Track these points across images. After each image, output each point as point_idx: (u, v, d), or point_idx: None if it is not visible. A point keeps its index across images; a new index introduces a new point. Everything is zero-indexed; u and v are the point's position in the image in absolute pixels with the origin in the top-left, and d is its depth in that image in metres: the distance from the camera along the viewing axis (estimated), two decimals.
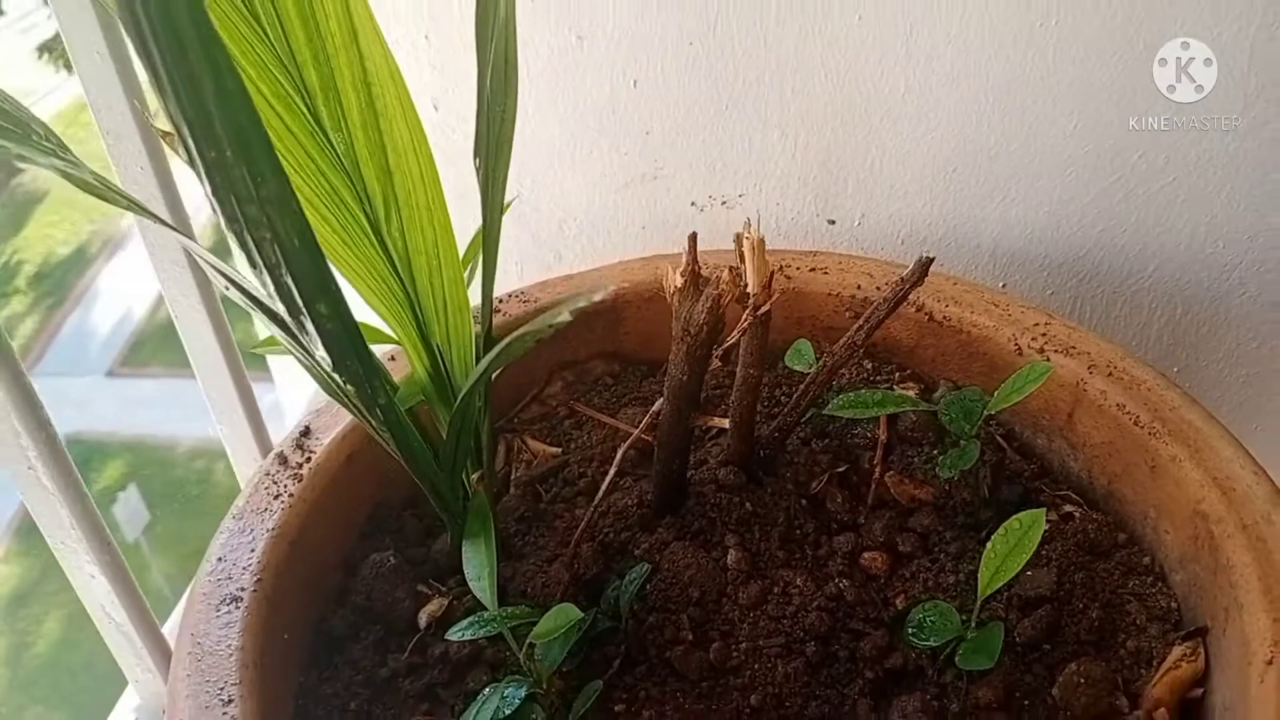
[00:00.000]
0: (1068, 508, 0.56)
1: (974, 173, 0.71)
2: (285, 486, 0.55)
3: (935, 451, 0.58)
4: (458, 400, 0.48)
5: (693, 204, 0.76)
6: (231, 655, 0.47)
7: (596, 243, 0.78)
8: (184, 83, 0.27)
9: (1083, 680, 0.47)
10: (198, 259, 0.47)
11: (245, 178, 0.30)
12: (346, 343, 0.38)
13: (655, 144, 0.73)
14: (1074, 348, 0.58)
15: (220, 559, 0.52)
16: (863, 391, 0.56)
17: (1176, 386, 0.55)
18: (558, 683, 0.48)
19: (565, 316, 0.36)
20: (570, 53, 0.70)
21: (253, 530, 0.53)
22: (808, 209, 0.75)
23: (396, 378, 0.55)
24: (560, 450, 0.62)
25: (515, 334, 0.41)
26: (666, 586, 0.51)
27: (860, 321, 0.53)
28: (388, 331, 0.51)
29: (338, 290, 0.36)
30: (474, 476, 0.56)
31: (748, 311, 0.49)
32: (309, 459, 0.57)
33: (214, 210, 0.32)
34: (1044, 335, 0.59)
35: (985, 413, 0.53)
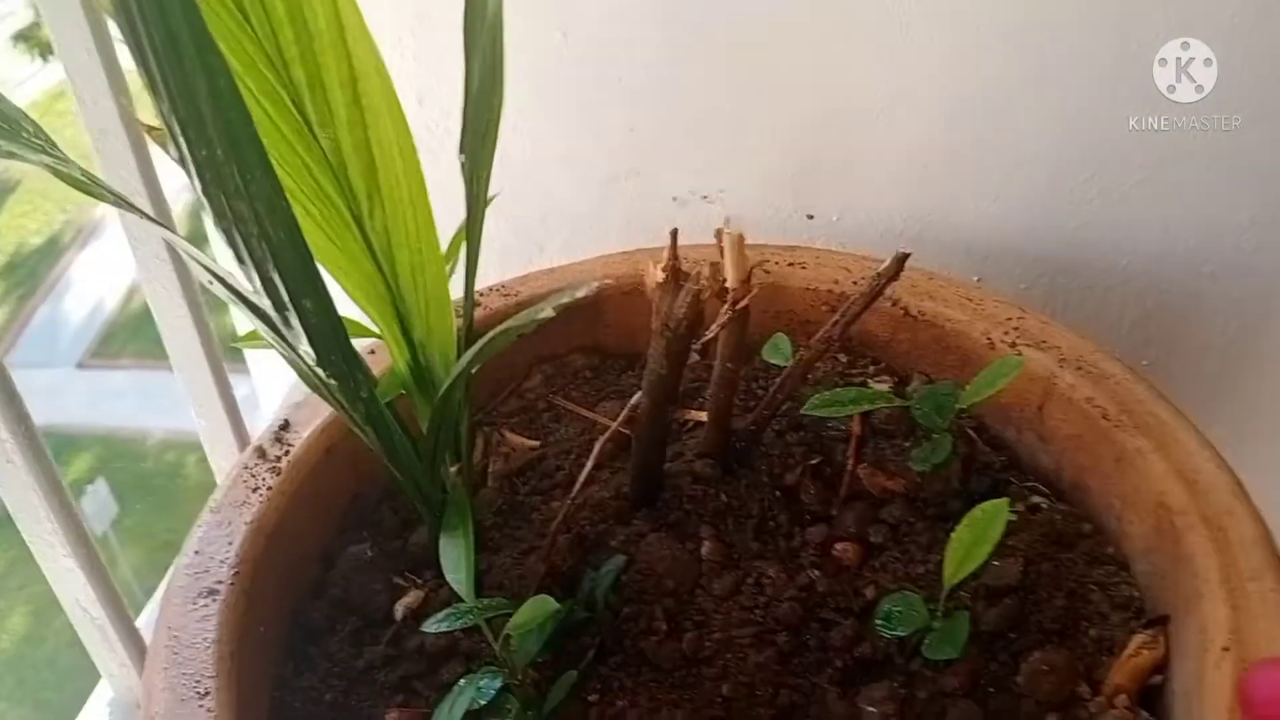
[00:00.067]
0: (1035, 499, 0.57)
1: (950, 170, 0.72)
2: (264, 479, 0.56)
3: (908, 444, 0.59)
4: (438, 394, 0.49)
5: (674, 199, 0.77)
6: (209, 648, 0.48)
7: (578, 237, 0.79)
8: (177, 83, 0.27)
9: (1046, 668, 0.48)
10: (182, 254, 0.47)
11: (235, 175, 0.30)
12: (331, 338, 0.39)
13: (638, 140, 0.74)
14: (1045, 342, 0.59)
15: (198, 552, 0.52)
16: (838, 390, 0.56)
17: (1144, 380, 0.57)
18: (533, 674, 0.48)
19: (548, 312, 0.37)
20: (555, 49, 0.70)
21: (231, 523, 0.53)
22: (787, 205, 0.76)
23: (376, 371, 0.55)
24: (538, 443, 0.63)
25: (497, 329, 0.42)
26: (642, 578, 0.52)
27: (836, 316, 0.54)
28: (369, 325, 0.52)
29: (324, 286, 0.36)
30: (452, 469, 0.57)
31: (727, 306, 0.50)
32: (287, 452, 0.57)
33: (203, 207, 0.33)
34: (1016, 330, 0.61)
35: (957, 407, 0.54)
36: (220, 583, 0.50)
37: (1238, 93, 0.63)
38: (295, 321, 0.38)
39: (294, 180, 0.44)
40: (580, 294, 0.38)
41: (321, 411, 0.58)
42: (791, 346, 0.61)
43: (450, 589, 0.49)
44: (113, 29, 0.55)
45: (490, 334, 0.42)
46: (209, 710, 0.44)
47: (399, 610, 0.54)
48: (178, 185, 0.63)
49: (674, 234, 0.49)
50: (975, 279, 0.76)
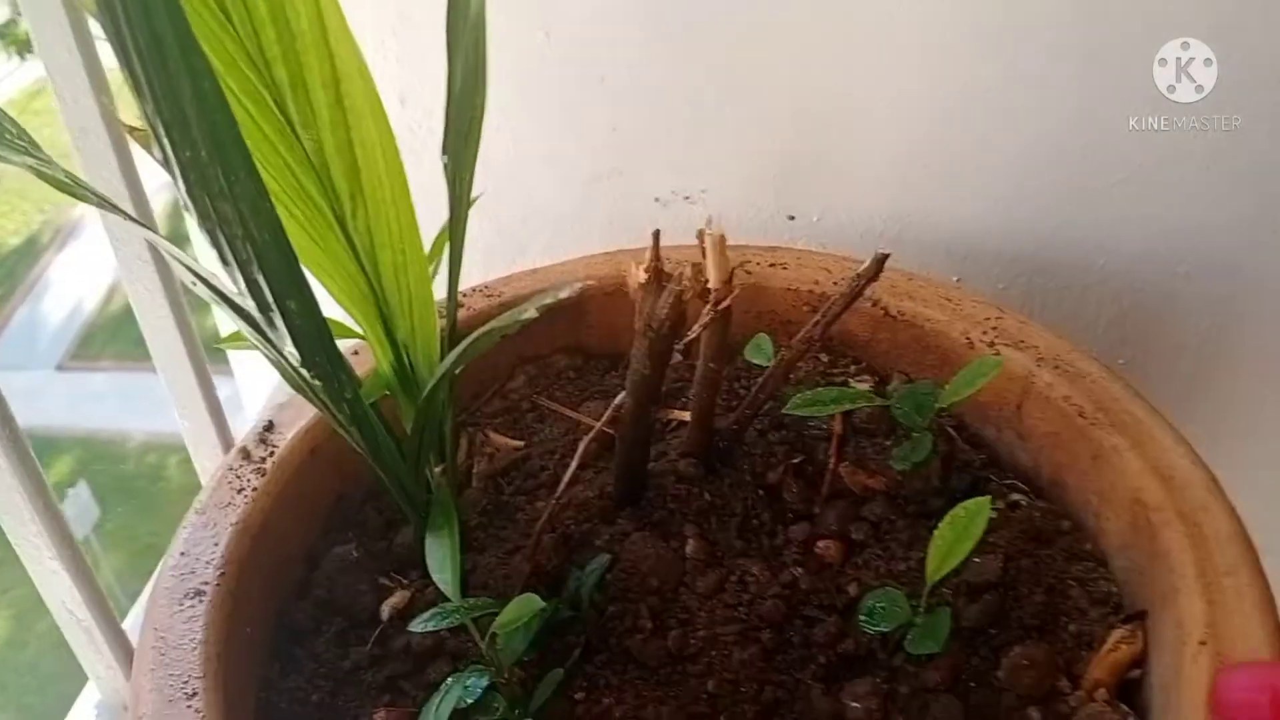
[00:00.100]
0: (1015, 496, 0.58)
1: (931, 171, 0.73)
2: (248, 480, 0.56)
3: (889, 442, 0.60)
4: (422, 394, 0.49)
5: (657, 199, 0.77)
6: (195, 649, 0.48)
7: (561, 237, 0.79)
8: (162, 85, 0.28)
9: (1026, 662, 0.49)
10: (165, 255, 0.47)
11: (219, 178, 0.30)
12: (315, 339, 0.39)
13: (621, 140, 0.74)
14: (1023, 341, 0.60)
15: (183, 553, 0.52)
16: (819, 389, 0.57)
17: (1120, 379, 0.57)
18: (519, 672, 0.49)
19: (531, 313, 0.37)
20: (537, 49, 0.71)
21: (216, 524, 0.53)
22: (769, 205, 0.77)
23: (360, 372, 0.55)
24: (522, 443, 0.63)
25: (481, 330, 0.42)
26: (626, 576, 0.52)
27: (817, 316, 0.55)
28: (353, 326, 0.52)
29: (308, 287, 0.36)
30: (437, 470, 0.57)
31: (709, 306, 0.50)
32: (272, 453, 0.57)
33: (187, 208, 0.33)
34: (995, 329, 0.61)
35: (936, 406, 0.55)
36: (206, 584, 0.50)
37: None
38: (279, 323, 0.38)
39: (277, 181, 0.44)
40: (563, 295, 0.39)
41: (306, 412, 0.58)
42: (773, 346, 0.61)
43: (436, 589, 0.49)
44: (94, 27, 0.55)
45: (474, 335, 0.42)
46: (197, 711, 0.44)
47: (385, 610, 0.54)
48: (156, 184, 0.63)
49: (656, 235, 0.49)
50: (954, 279, 0.76)
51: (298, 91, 0.42)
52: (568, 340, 0.69)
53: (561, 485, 0.55)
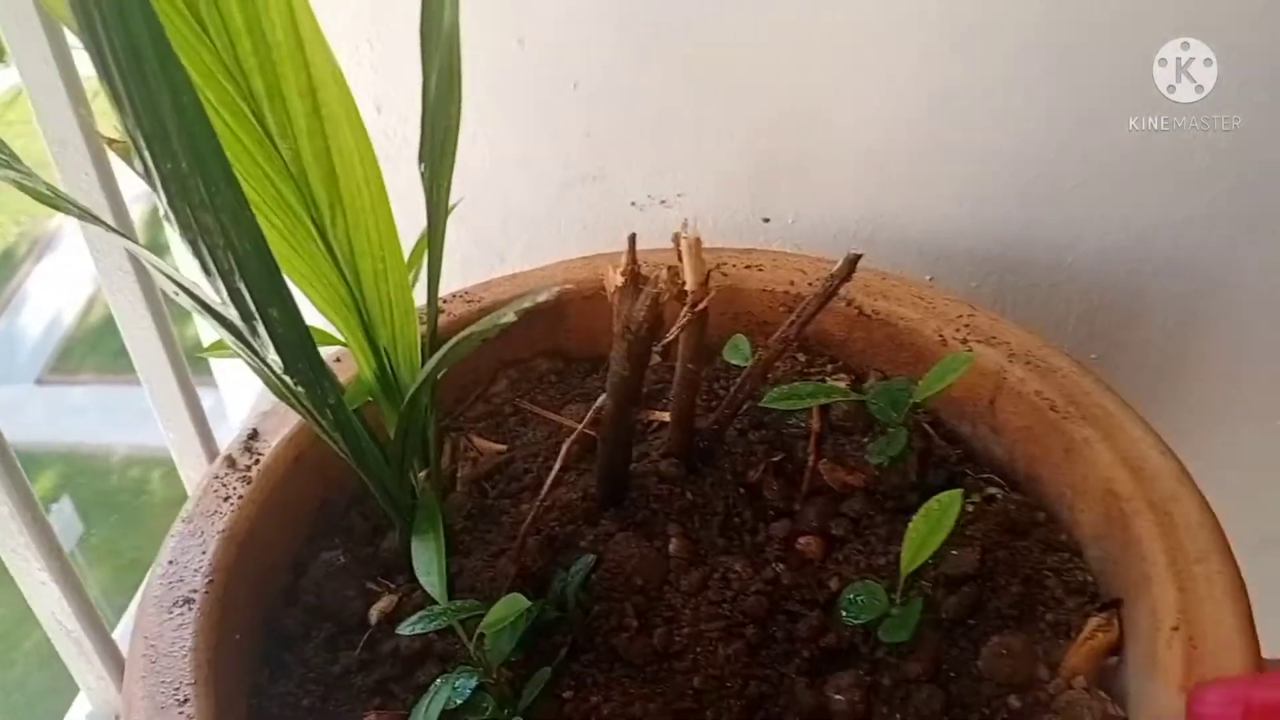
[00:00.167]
0: (990, 490, 0.59)
1: (903, 173, 0.74)
2: (234, 489, 0.56)
3: (866, 439, 0.60)
4: (405, 400, 0.50)
5: (633, 204, 0.78)
6: (186, 656, 0.48)
7: (539, 242, 0.80)
8: (141, 98, 0.28)
9: (1005, 652, 0.50)
10: (147, 265, 0.48)
11: (200, 188, 0.31)
12: (298, 346, 0.39)
13: (596, 145, 0.75)
14: (995, 338, 0.61)
15: (171, 562, 0.52)
16: (796, 384, 0.58)
17: (1091, 373, 0.59)
18: (507, 673, 0.49)
19: (510, 316, 0.38)
20: (511, 56, 0.71)
21: (203, 533, 0.54)
22: (744, 208, 0.78)
23: (342, 379, 0.56)
24: (506, 447, 0.64)
25: (461, 335, 0.42)
26: (611, 576, 0.53)
27: (792, 316, 0.55)
28: (335, 334, 0.52)
29: (289, 295, 0.37)
30: (421, 475, 0.57)
31: (686, 308, 0.51)
32: (257, 461, 0.57)
33: (168, 219, 0.33)
34: (967, 326, 0.62)
35: (911, 402, 0.56)
36: (195, 591, 0.50)
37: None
38: (262, 330, 0.39)
39: (257, 191, 0.45)
40: (541, 298, 0.39)
41: (289, 420, 0.59)
42: (751, 347, 0.62)
43: (423, 593, 0.50)
44: (70, 38, 0.55)
45: (454, 339, 0.43)
46: (189, 717, 0.45)
47: (373, 615, 0.54)
48: (133, 193, 0.63)
49: (632, 239, 0.50)
50: (928, 278, 0.77)
51: (275, 101, 0.42)
52: (548, 344, 0.70)
53: (545, 488, 0.55)
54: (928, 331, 0.63)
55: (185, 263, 0.40)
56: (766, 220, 0.77)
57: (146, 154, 0.31)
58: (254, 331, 0.39)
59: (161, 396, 0.68)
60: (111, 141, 0.52)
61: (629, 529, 0.55)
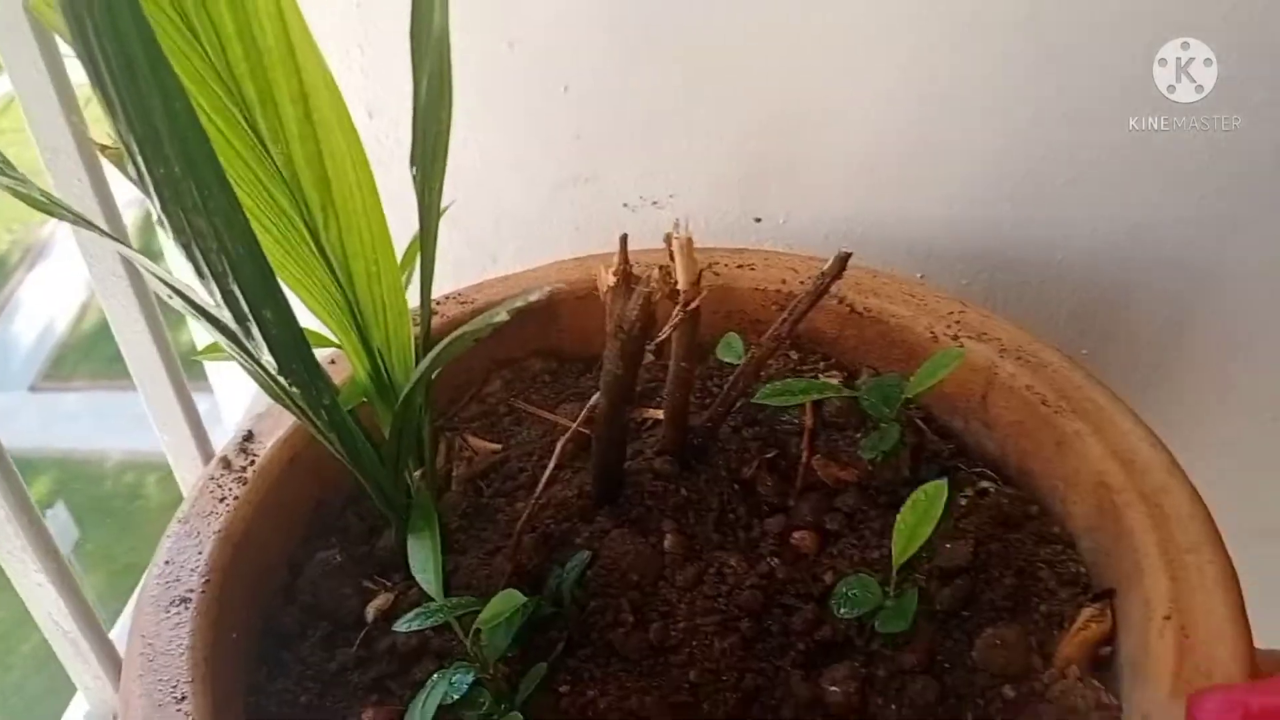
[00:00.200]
0: (983, 484, 0.59)
1: (893, 173, 0.74)
2: (230, 489, 0.56)
3: (859, 435, 0.61)
4: (399, 400, 0.50)
5: (625, 205, 0.78)
6: (183, 654, 0.48)
7: (531, 244, 0.80)
8: (134, 104, 0.28)
9: (999, 643, 0.50)
10: (141, 270, 0.48)
11: (193, 192, 0.31)
12: (292, 347, 0.40)
13: (587, 147, 0.75)
14: (986, 334, 0.62)
15: (168, 562, 0.53)
16: (789, 381, 0.58)
17: (1081, 367, 0.59)
18: (503, 668, 0.49)
19: (503, 316, 0.38)
20: (501, 59, 0.71)
21: (199, 533, 0.54)
22: (735, 209, 0.78)
23: (336, 380, 0.56)
24: (500, 446, 0.64)
25: (455, 334, 0.43)
26: (607, 572, 0.53)
27: (784, 314, 0.56)
28: (329, 336, 0.52)
29: (283, 296, 0.37)
30: (416, 474, 0.58)
31: (678, 307, 0.51)
32: (252, 462, 0.58)
33: (161, 223, 0.34)
34: (958, 323, 0.63)
35: (903, 397, 0.56)
36: (192, 591, 0.51)
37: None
38: (256, 332, 0.39)
39: (250, 196, 0.45)
40: (533, 298, 0.40)
41: (284, 422, 0.59)
42: (743, 345, 0.63)
43: (419, 591, 0.50)
44: (63, 46, 0.55)
45: (447, 339, 0.43)
46: (186, 714, 0.45)
47: (370, 613, 0.55)
48: (124, 199, 0.64)
49: (624, 238, 0.50)
50: (919, 276, 0.78)
51: (266, 106, 0.43)
52: (542, 344, 0.70)
53: (540, 486, 0.56)
54: (919, 328, 0.63)
55: (178, 267, 0.41)
56: (758, 220, 0.78)
57: (139, 159, 0.32)
58: (248, 333, 0.39)
59: (157, 400, 0.68)
60: (104, 148, 0.53)
61: (624, 525, 0.55)
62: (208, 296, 0.40)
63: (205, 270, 0.36)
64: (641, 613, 0.52)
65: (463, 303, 0.68)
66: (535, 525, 0.56)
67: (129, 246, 0.45)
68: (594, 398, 0.54)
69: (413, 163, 0.48)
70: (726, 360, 0.62)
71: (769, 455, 0.60)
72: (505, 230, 0.80)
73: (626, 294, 0.49)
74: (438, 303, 0.67)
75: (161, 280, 0.41)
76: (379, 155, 0.47)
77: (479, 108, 0.73)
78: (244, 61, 0.41)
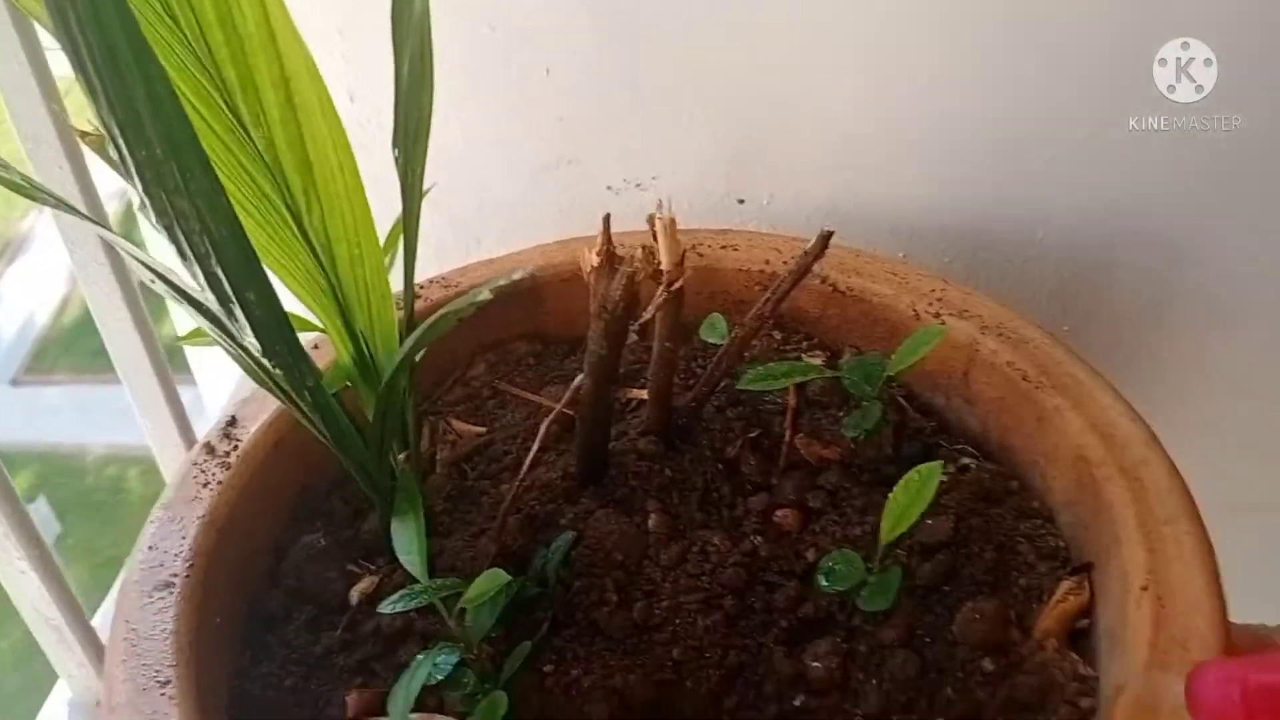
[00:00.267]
0: (965, 460, 0.60)
1: (876, 154, 0.74)
2: (213, 475, 0.56)
3: (842, 414, 0.61)
4: (383, 383, 0.50)
5: (608, 187, 0.78)
6: (167, 639, 0.49)
7: (515, 227, 0.80)
8: (116, 90, 0.28)
9: (979, 616, 0.51)
10: (123, 254, 0.48)
11: (175, 174, 0.31)
12: (275, 329, 0.40)
13: (570, 130, 0.75)
14: (967, 311, 0.62)
15: (151, 547, 0.53)
16: (771, 364, 0.59)
17: (1062, 343, 0.60)
18: (488, 648, 0.50)
19: (485, 295, 0.38)
20: (483, 42, 0.71)
21: (183, 518, 0.54)
22: (718, 190, 0.78)
23: (320, 365, 0.56)
24: (485, 429, 0.64)
25: (437, 314, 0.43)
26: (591, 552, 0.54)
27: (767, 294, 0.56)
28: (313, 320, 0.53)
29: (266, 277, 0.37)
30: (400, 457, 0.58)
31: (662, 288, 0.51)
32: (236, 447, 0.58)
33: (143, 206, 0.34)
34: (940, 300, 0.63)
35: (885, 375, 0.57)
36: (175, 576, 0.51)
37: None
38: (239, 314, 0.39)
39: (231, 180, 0.45)
40: (516, 277, 0.40)
41: (268, 406, 0.59)
42: (727, 325, 0.63)
43: (404, 574, 0.50)
44: (43, 35, 0.55)
45: (430, 319, 0.43)
46: (170, 698, 0.45)
47: (354, 596, 0.55)
48: (106, 192, 0.64)
49: (606, 219, 0.50)
50: (901, 255, 0.78)
51: (248, 92, 0.43)
52: (526, 327, 0.71)
53: (524, 468, 0.56)
54: (901, 306, 0.63)
55: (160, 254, 0.41)
56: (741, 202, 0.78)
57: (121, 142, 0.32)
58: (231, 315, 0.40)
59: (139, 389, 0.68)
60: (84, 134, 0.53)
61: (608, 506, 0.56)
62: (190, 279, 0.40)
63: (188, 252, 0.36)
64: (626, 592, 0.52)
65: (446, 286, 0.68)
66: (520, 507, 0.57)
67: (110, 230, 0.45)
68: (578, 379, 0.54)
69: (395, 146, 0.48)
70: (710, 341, 0.63)
71: (752, 434, 0.60)
72: (488, 213, 0.80)
73: (610, 275, 0.49)
74: (421, 287, 0.67)
75: (144, 264, 0.41)
76: (361, 139, 0.47)
77: (461, 90, 0.73)
78: (225, 47, 0.41)
